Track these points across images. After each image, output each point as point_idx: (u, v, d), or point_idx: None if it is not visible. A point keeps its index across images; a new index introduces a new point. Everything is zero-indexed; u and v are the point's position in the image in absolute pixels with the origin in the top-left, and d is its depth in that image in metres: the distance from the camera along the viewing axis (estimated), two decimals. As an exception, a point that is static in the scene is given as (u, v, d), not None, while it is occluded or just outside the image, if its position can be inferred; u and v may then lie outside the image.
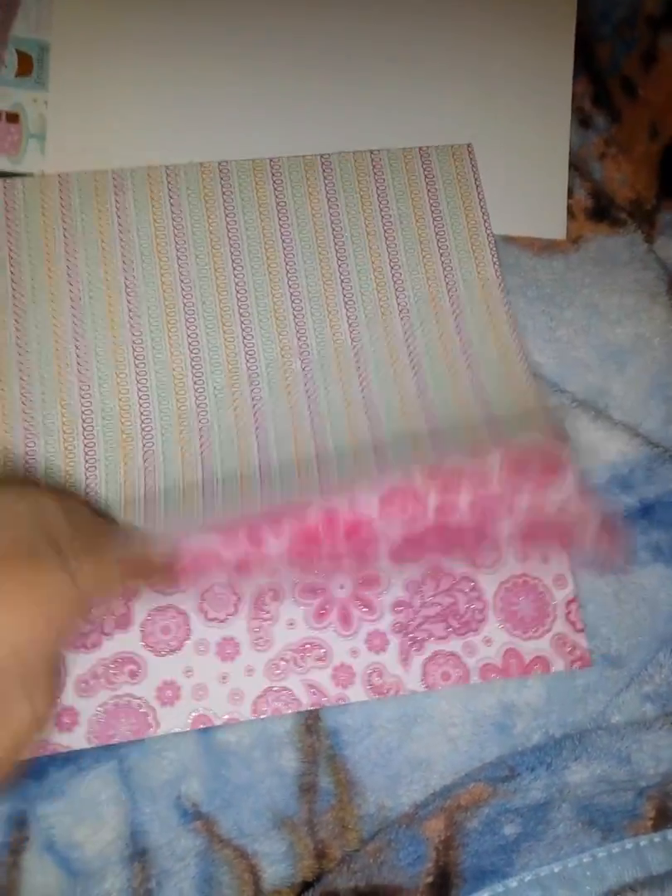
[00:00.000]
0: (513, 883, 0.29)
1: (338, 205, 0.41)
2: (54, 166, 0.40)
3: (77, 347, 0.37)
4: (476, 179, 0.42)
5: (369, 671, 0.35)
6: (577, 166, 0.47)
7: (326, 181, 0.41)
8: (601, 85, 0.49)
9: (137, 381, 0.37)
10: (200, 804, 0.33)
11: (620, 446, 0.38)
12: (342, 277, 0.40)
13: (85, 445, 0.36)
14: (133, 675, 0.34)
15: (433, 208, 0.41)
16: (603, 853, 0.30)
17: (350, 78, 0.43)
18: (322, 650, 0.35)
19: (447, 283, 0.40)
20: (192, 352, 0.38)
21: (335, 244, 0.40)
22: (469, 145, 0.43)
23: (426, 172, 0.42)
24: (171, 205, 0.40)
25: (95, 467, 0.36)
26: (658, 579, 0.37)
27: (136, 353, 0.38)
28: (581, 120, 0.49)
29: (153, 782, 0.33)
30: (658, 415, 0.40)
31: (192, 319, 0.38)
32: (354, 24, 0.43)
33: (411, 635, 0.35)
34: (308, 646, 0.35)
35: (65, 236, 0.39)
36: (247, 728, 0.34)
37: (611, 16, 0.49)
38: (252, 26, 0.43)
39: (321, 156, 0.41)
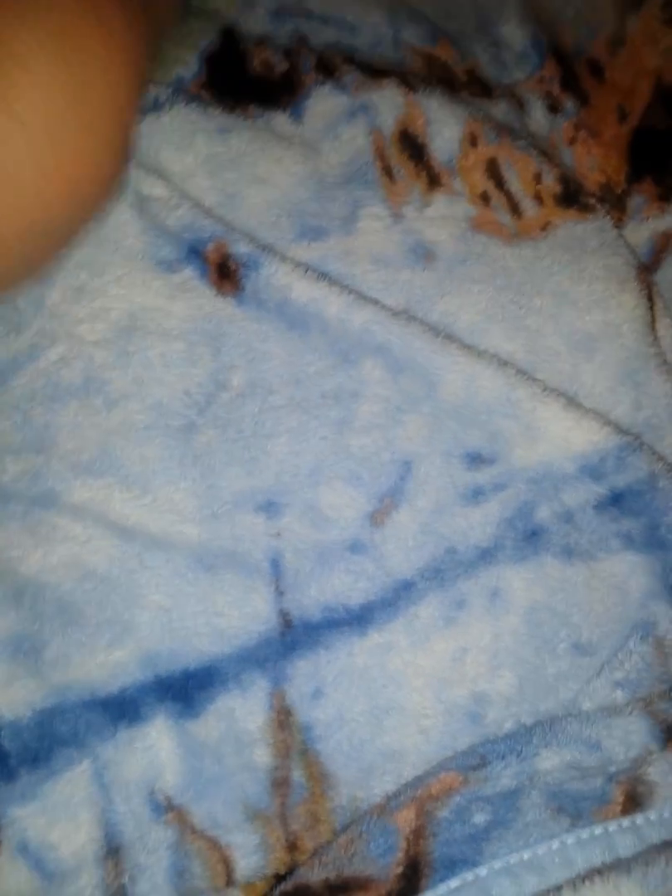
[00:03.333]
0: (483, 871, 0.30)
1: None
2: None
3: None
4: None
5: None
6: (546, 152, 0.47)
7: None
8: (568, 68, 0.49)
9: None
10: (173, 797, 0.34)
11: (591, 435, 0.38)
12: None
13: None
14: None
15: None
16: (571, 839, 0.30)
17: None
18: None
19: None
20: None
21: None
22: None
23: None
24: None
25: None
26: (628, 567, 0.37)
27: None
28: (550, 105, 0.49)
29: (127, 778, 0.34)
30: (627, 401, 0.40)
31: None
32: None
33: None
34: None
35: None
36: (215, 724, 0.34)
37: (572, -4, 0.49)
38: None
39: None
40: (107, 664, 0.34)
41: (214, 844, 0.33)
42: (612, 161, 0.48)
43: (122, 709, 0.34)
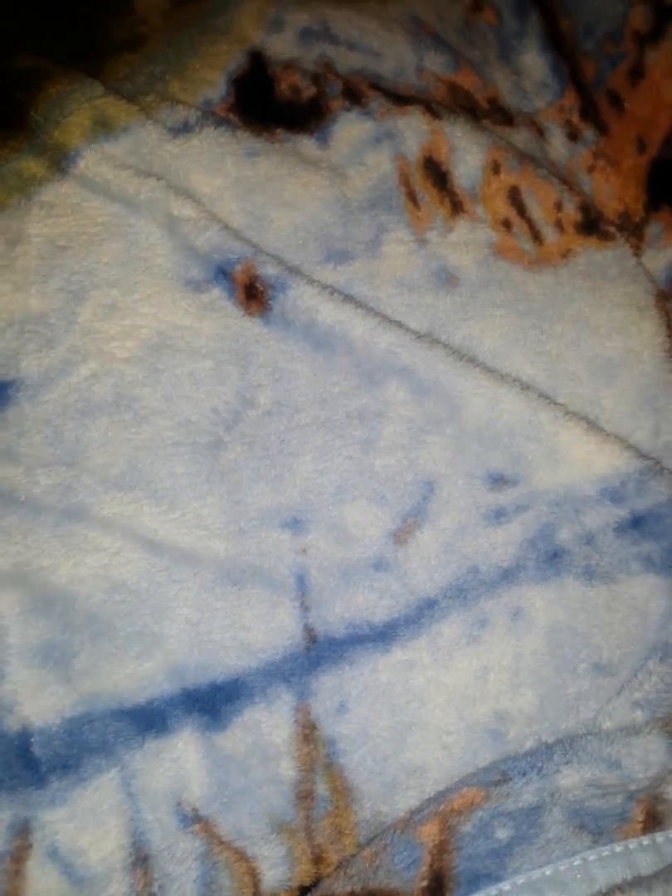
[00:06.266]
0: (505, 886, 0.30)
1: None
2: None
3: None
4: None
5: None
6: (566, 180, 0.48)
7: None
8: (588, 99, 0.50)
9: None
10: (200, 808, 0.34)
11: (612, 459, 0.39)
12: None
13: None
14: None
15: None
16: (593, 856, 0.31)
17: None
18: None
19: None
20: None
21: None
22: None
23: None
24: None
25: None
26: (648, 589, 0.37)
27: None
28: (569, 134, 0.50)
29: (154, 788, 0.34)
30: (647, 426, 0.41)
31: None
32: None
33: None
34: None
35: None
36: (241, 736, 0.35)
37: (595, 30, 0.50)
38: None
39: None
40: (135, 675, 0.35)
41: (241, 856, 0.33)
42: (631, 190, 0.49)
43: (149, 720, 0.35)
